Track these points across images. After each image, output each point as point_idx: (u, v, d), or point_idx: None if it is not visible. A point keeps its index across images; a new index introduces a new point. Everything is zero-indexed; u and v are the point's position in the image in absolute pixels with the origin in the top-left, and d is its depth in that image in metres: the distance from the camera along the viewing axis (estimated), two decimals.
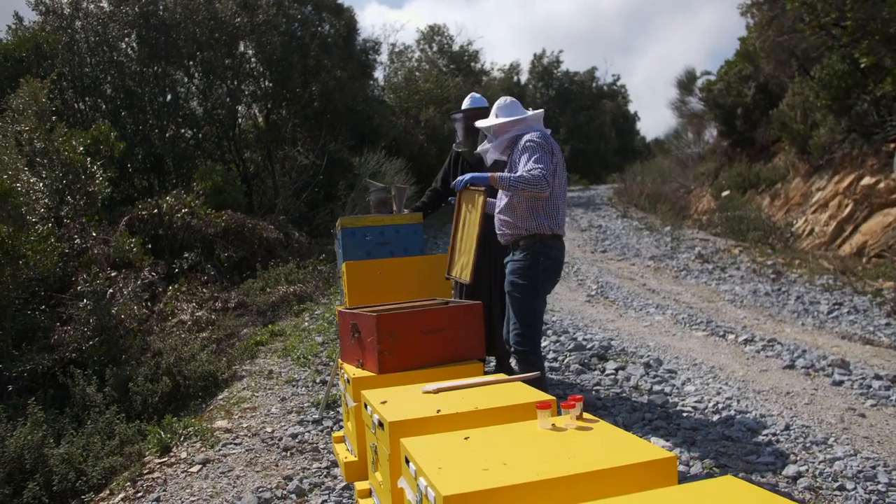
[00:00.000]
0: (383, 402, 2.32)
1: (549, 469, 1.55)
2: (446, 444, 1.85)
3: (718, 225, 13.68)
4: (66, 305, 5.77)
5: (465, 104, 4.17)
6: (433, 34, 25.89)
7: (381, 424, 2.19)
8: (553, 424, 1.91)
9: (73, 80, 10.94)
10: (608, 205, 18.32)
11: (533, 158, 3.18)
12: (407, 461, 1.80)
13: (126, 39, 11.73)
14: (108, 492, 3.55)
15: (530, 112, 3.45)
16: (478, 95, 4.23)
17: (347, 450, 3.11)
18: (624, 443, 1.72)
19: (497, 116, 3.47)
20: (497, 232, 3.51)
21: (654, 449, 1.63)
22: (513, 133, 3.38)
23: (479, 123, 3.57)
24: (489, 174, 3.28)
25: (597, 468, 1.54)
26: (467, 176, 3.37)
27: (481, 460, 1.67)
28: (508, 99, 3.51)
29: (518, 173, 3.19)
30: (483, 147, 3.54)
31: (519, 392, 2.35)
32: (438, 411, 2.16)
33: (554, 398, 2.25)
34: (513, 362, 3.47)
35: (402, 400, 2.38)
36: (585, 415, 1.96)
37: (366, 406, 2.46)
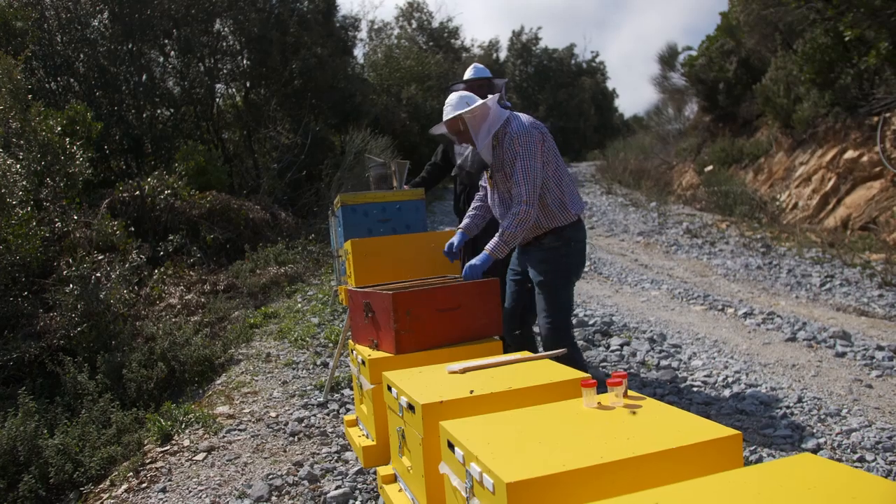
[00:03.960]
0: (411, 384, 2.22)
1: (610, 451, 1.47)
2: (490, 426, 1.76)
3: (703, 200, 13.74)
4: (51, 291, 5.55)
5: (469, 74, 4.01)
6: (412, 10, 25.49)
7: (411, 407, 2.09)
8: (599, 403, 1.83)
9: (45, 59, 10.50)
10: (592, 181, 18.32)
11: (523, 180, 2.95)
12: (451, 446, 1.70)
13: (98, 16, 11.28)
14: (108, 482, 3.41)
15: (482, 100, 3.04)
16: (481, 66, 4.07)
17: (363, 434, 3.01)
18: (681, 421, 1.64)
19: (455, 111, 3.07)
20: None
21: (717, 427, 1.55)
22: (487, 128, 3.06)
23: (435, 130, 3.30)
24: (488, 255, 3.02)
25: (661, 448, 1.46)
26: (468, 271, 3.06)
27: (533, 443, 1.58)
28: (458, 95, 3.14)
29: (505, 226, 2.99)
30: (468, 153, 3.17)
31: (551, 370, 2.26)
32: (472, 392, 2.07)
33: (589, 375, 2.17)
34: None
35: (428, 381, 2.28)
36: (630, 392, 1.89)
37: (389, 388, 2.36)
